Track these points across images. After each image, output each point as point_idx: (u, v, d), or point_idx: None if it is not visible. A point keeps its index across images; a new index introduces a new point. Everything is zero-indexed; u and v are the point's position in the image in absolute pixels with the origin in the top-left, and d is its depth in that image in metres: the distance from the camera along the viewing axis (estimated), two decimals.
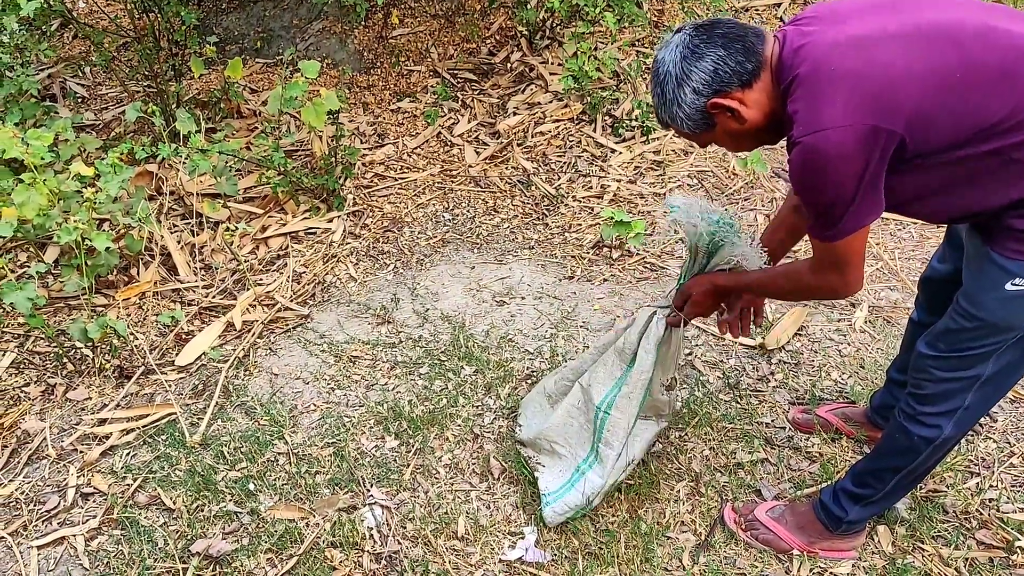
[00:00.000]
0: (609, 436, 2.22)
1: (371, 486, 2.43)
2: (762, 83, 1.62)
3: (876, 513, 2.16)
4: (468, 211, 3.64)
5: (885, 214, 1.96)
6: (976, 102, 1.48)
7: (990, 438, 2.51)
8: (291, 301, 3.15)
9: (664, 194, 3.60)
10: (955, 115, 1.49)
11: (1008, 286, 1.63)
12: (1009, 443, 2.49)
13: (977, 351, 1.74)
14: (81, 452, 2.60)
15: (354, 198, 3.68)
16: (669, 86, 1.66)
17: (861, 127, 1.47)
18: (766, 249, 2.06)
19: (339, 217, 3.58)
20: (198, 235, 3.45)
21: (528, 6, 4.18)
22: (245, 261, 3.34)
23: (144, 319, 3.10)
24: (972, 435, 2.51)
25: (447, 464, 2.51)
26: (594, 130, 3.98)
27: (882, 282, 3.10)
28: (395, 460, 2.52)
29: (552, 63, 4.34)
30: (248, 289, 3.19)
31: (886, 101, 1.47)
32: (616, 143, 3.90)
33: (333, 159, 3.58)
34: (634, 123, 3.95)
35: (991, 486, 2.36)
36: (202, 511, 2.39)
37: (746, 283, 2.02)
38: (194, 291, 3.22)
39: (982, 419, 2.55)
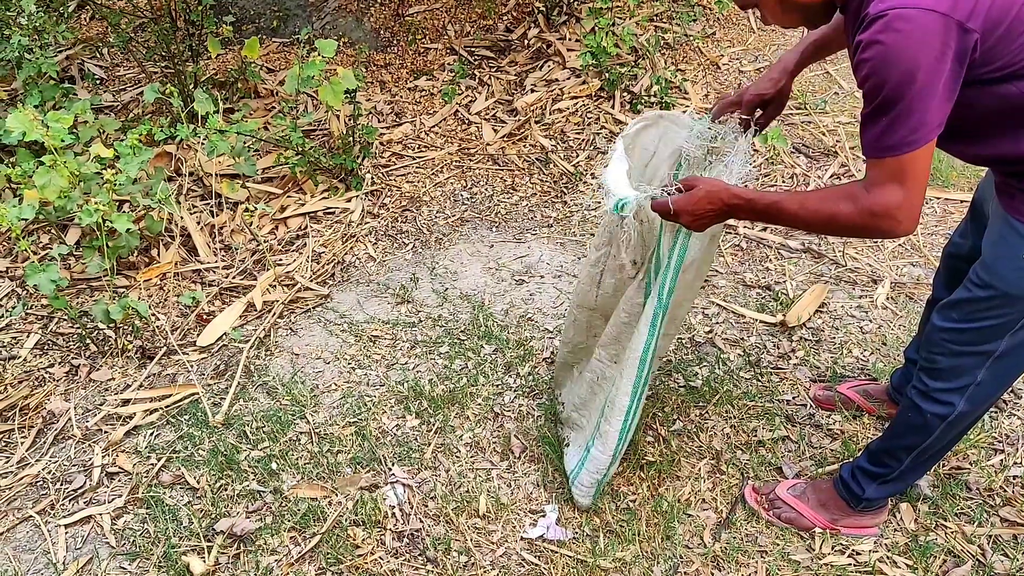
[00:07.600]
0: (609, 414, 2.14)
1: (392, 465, 2.45)
2: None
3: (896, 492, 2.15)
4: (486, 190, 3.63)
5: None
6: None
7: (1014, 415, 2.48)
8: (311, 281, 3.16)
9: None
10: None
11: None
12: None
13: (991, 323, 1.71)
14: (105, 432, 2.62)
15: (372, 177, 3.67)
16: None
17: (943, 14, 1.36)
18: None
19: (357, 197, 3.58)
20: (217, 216, 3.46)
21: None
22: (264, 241, 3.35)
23: (165, 300, 3.12)
24: (995, 411, 2.49)
25: (468, 443, 2.51)
26: (612, 107, 3.94)
27: (904, 258, 3.07)
28: (416, 439, 2.53)
29: (570, 39, 4.29)
30: (268, 269, 3.20)
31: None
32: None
33: (351, 138, 3.57)
34: (653, 99, 3.92)
35: (1015, 463, 2.35)
36: (226, 490, 2.41)
37: (767, 204, 1.65)
38: (214, 272, 3.24)
39: (1006, 396, 2.53)
